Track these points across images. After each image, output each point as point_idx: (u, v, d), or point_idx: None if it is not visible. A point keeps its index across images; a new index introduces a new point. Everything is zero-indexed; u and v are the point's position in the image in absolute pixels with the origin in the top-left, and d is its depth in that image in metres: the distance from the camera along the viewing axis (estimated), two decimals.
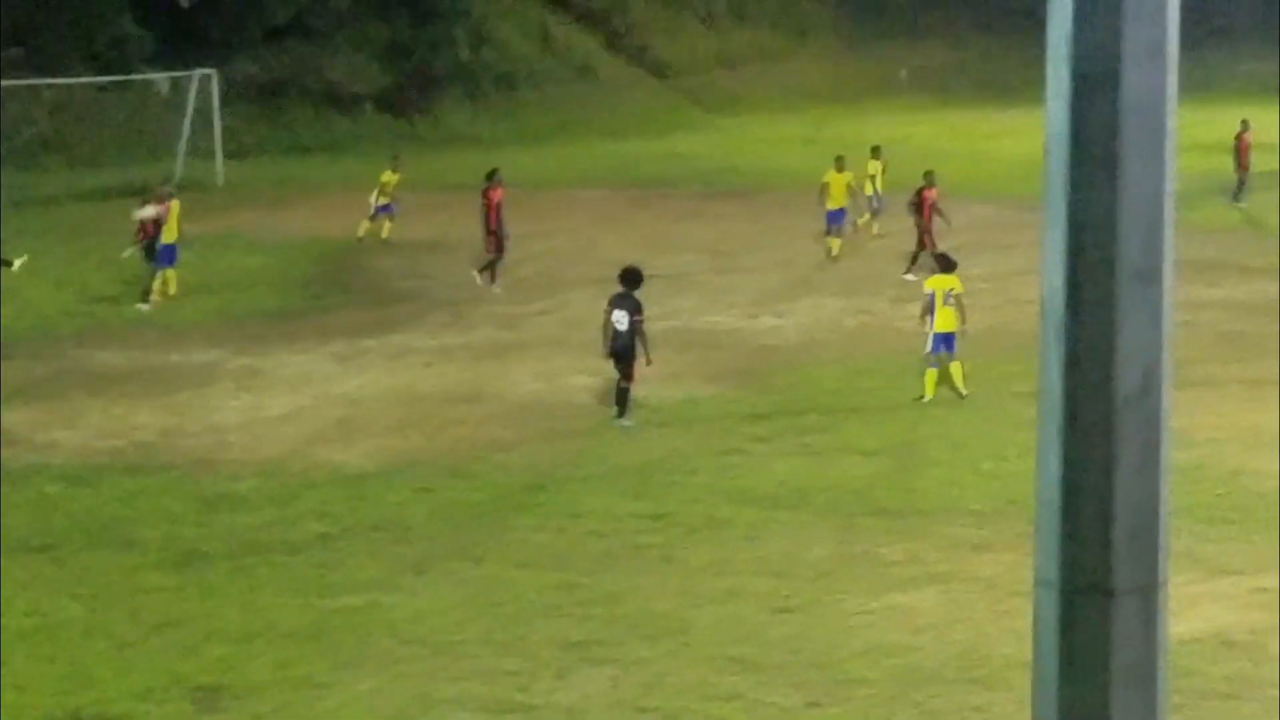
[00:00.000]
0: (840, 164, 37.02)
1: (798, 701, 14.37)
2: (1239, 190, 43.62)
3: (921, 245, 33.21)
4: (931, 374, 24.31)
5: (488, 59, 63.29)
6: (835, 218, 36.43)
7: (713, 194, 46.58)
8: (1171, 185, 3.41)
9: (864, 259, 36.21)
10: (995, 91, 69.85)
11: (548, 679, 14.78)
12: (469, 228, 36.73)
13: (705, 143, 58.51)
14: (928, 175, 34.88)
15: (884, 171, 39.25)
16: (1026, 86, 61.81)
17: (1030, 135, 49.59)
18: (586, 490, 20.26)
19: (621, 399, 23.25)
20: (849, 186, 36.69)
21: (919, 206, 34.53)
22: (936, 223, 34.04)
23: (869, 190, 39.01)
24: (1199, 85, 59.68)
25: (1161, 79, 3.36)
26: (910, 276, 32.85)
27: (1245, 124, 44.58)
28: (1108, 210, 3.37)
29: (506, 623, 16.07)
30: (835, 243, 36.20)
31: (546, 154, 54.75)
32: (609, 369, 23.57)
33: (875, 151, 39.91)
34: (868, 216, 38.91)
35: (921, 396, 24.15)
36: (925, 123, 62.41)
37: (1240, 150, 44.03)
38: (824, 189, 36.64)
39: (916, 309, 28.08)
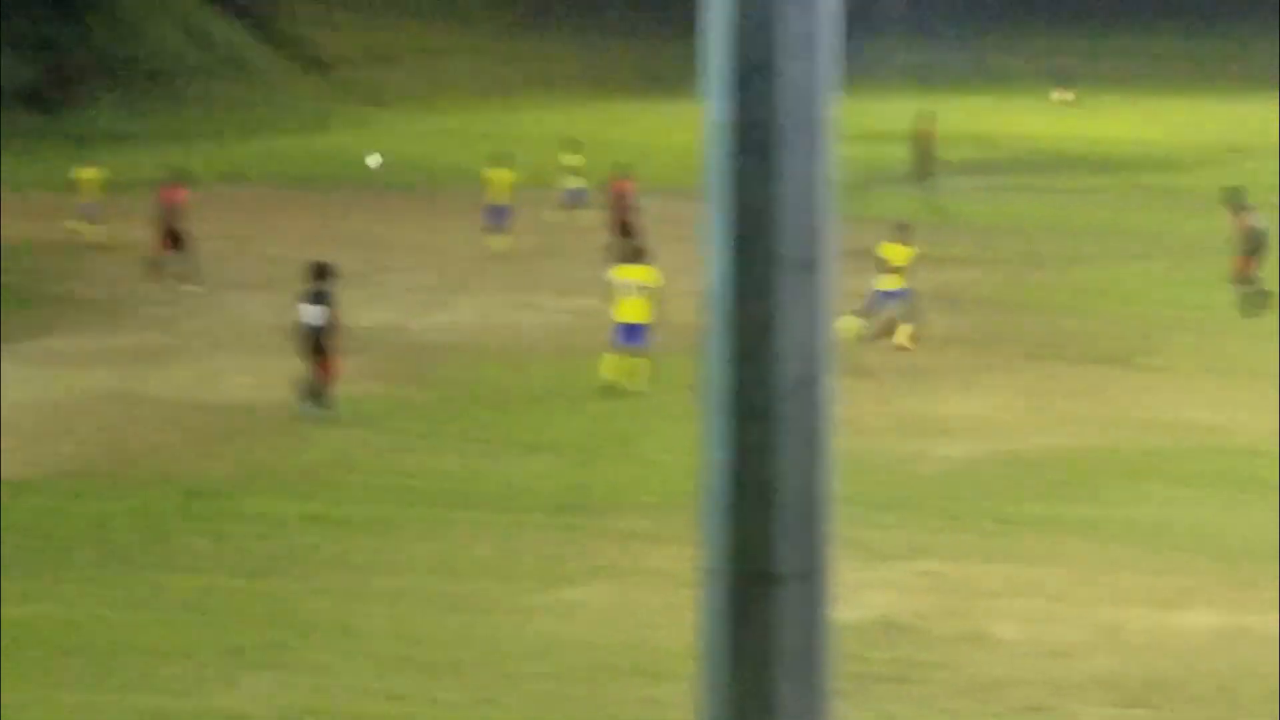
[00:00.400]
0: (499, 159, 37.01)
1: (468, 699, 14.31)
2: (921, 179, 44.25)
3: (624, 236, 33.14)
4: (612, 361, 24.48)
5: (137, 53, 61.85)
6: (496, 214, 36.39)
7: (373, 190, 46.20)
8: (832, 175, 3.43)
9: (529, 253, 36.27)
10: (662, 83, 70.52)
11: (213, 684, 14.48)
12: (122, 228, 35.86)
13: (365, 138, 57.90)
14: (622, 168, 35.22)
15: (582, 164, 39.50)
16: (692, 78, 62.52)
17: (697, 127, 49.87)
18: (249, 492, 19.91)
19: (311, 392, 22.97)
20: (510, 182, 36.69)
21: (614, 199, 34.83)
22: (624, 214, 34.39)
23: (570, 183, 39.27)
24: (854, 75, 61.20)
25: (819, 69, 3.38)
26: (606, 267, 33.01)
27: (926, 114, 45.43)
28: (768, 200, 3.38)
29: (168, 629, 15.70)
30: (499, 239, 36.16)
31: (200, 150, 53.71)
32: (298, 366, 23.23)
33: (572, 144, 40.16)
34: (573, 209, 39.09)
35: (607, 385, 24.27)
36: (591, 116, 62.78)
37: (921, 140, 44.81)
38: (485, 184, 36.61)
39: (584, 302, 28.28)
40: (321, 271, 23.59)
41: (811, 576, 3.44)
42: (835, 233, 3.42)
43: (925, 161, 44.57)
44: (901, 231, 27.39)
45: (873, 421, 22.40)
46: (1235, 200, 29.84)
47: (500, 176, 36.63)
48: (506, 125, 57.57)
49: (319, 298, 23.23)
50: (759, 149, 3.37)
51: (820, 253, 3.42)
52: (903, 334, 26.74)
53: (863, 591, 16.22)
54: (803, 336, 3.41)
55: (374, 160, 28.92)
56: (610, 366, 24.40)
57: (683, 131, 55.94)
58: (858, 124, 52.98)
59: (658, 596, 16.41)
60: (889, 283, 26.97)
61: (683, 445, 21.01)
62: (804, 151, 3.38)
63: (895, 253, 27.41)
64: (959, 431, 22.44)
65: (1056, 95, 63.69)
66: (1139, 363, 25.97)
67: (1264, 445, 21.52)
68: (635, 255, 26.06)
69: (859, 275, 30.04)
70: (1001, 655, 15.19)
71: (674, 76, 67.65)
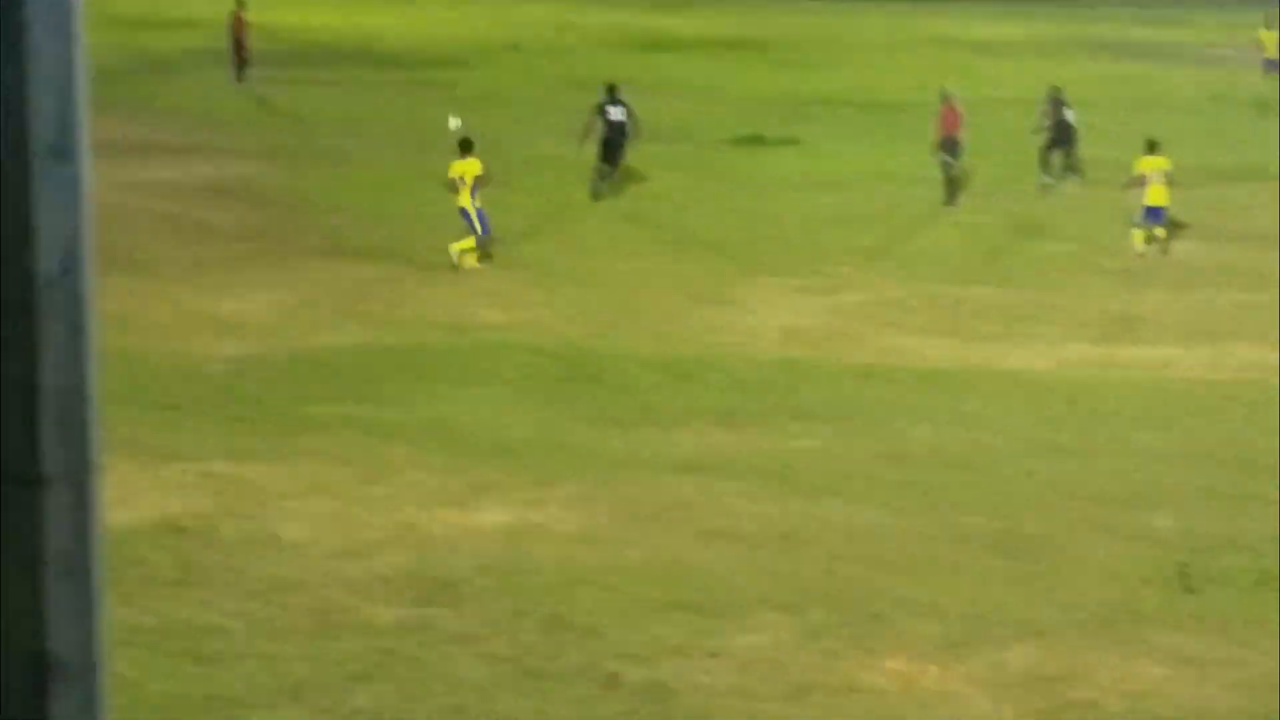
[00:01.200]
0: None
1: None
2: (239, 70, 43.88)
3: None
4: None
5: None
6: None
7: None
8: (83, 59, 3.31)
9: None
10: None
11: None
12: None
13: None
14: None
15: None
16: None
17: None
18: None
19: None
20: None
21: None
22: None
23: None
24: None
25: None
26: None
27: (241, 3, 44.93)
28: (17, 84, 3.24)
29: None
30: None
31: None
32: None
33: None
34: None
35: None
36: None
37: (236, 30, 44.31)
38: None
39: None
40: None
41: (79, 477, 3.32)
42: (89, 120, 3.31)
43: (240, 52, 44.14)
44: (466, 148, 26.61)
45: (153, 319, 21.99)
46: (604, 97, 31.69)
47: None
48: None
49: None
50: (5, 30, 3.21)
51: (75, 141, 3.29)
52: (471, 254, 25.95)
53: (142, 493, 15.91)
54: (59, 228, 3.28)
55: (455, 123, 26.96)
56: None
57: None
58: (155, 11, 51.77)
59: None
60: (464, 200, 26.08)
61: None
62: (53, 34, 3.24)
63: (468, 168, 26.48)
64: (241, 330, 22.27)
65: None
66: (423, 260, 26.37)
67: (548, 344, 22.20)
68: None
69: (117, 165, 29.38)
70: (291, 557, 15.13)
71: None
